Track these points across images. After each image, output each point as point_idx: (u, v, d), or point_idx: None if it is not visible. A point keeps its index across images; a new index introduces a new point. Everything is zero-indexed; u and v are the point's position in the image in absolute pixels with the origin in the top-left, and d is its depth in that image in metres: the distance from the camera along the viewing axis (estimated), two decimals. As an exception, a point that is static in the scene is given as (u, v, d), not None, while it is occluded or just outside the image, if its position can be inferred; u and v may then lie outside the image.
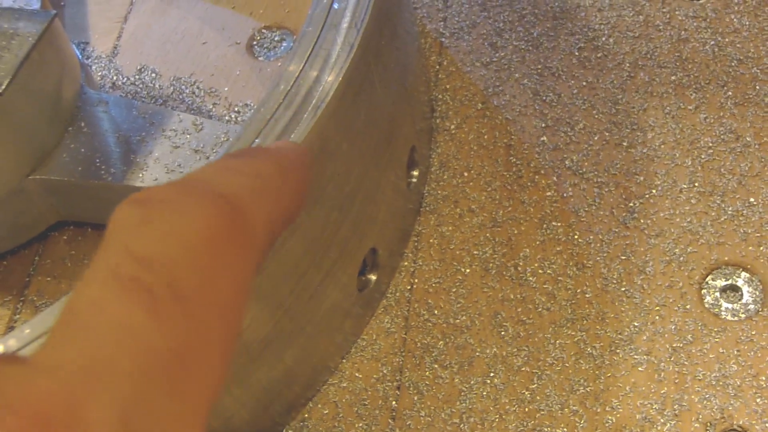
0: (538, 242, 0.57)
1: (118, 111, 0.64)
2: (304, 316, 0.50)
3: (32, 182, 0.60)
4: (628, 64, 0.65)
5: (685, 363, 0.52)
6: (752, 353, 0.51)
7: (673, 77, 0.64)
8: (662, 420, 0.50)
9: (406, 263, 0.57)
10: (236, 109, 0.68)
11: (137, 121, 0.63)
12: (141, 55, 0.74)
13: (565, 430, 0.50)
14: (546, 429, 0.50)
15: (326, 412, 0.52)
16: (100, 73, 0.72)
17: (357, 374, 0.53)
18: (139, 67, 0.72)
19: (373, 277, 0.55)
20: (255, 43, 0.72)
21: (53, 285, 0.61)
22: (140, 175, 0.59)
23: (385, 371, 0.53)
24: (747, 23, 0.66)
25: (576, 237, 0.57)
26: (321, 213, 0.48)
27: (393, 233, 0.57)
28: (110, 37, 0.75)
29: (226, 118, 0.67)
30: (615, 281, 0.55)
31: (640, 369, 0.52)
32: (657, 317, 0.53)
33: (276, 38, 0.73)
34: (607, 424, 0.50)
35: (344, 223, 0.50)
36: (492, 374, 0.52)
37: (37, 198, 0.61)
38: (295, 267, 0.48)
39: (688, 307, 0.54)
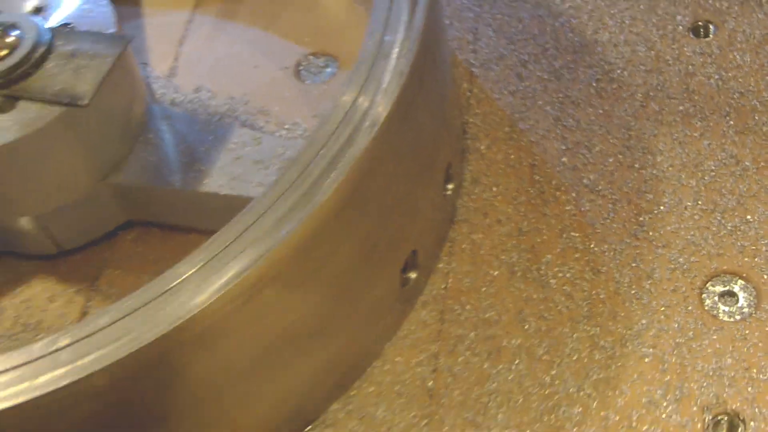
0: (558, 250, 0.64)
1: (182, 125, 0.71)
2: (354, 307, 0.57)
3: (105, 186, 0.67)
4: (640, 95, 0.73)
5: (686, 356, 0.59)
6: (745, 349, 0.59)
7: (680, 107, 0.71)
8: (665, 404, 0.57)
9: (441, 265, 0.64)
10: (286, 127, 0.75)
11: (200, 134, 0.70)
12: (197, 76, 0.81)
13: (580, 409, 0.57)
14: (563, 408, 0.57)
15: (371, 390, 0.59)
16: (159, 91, 0.80)
17: (398, 359, 0.60)
18: (195, 87, 0.80)
19: (413, 275, 0.62)
20: (302, 68, 0.80)
21: (121, 277, 0.68)
22: (205, 181, 0.67)
23: (422, 357, 0.60)
24: (748, 60, 0.73)
25: (592, 246, 0.64)
26: (369, 220, 0.55)
27: (430, 238, 0.64)
28: (168, 58, 0.83)
29: (277, 134, 0.74)
30: (626, 285, 0.62)
31: (646, 360, 0.59)
32: (662, 316, 0.60)
33: (321, 64, 0.80)
34: (616, 405, 0.57)
35: (389, 228, 0.58)
36: (517, 362, 0.59)
37: (108, 200, 0.68)
38: (349, 265, 0.55)
39: (689, 308, 0.61)
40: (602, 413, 0.57)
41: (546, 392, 0.58)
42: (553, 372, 0.59)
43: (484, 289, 0.63)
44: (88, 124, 0.64)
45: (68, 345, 0.47)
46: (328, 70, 0.80)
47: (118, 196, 0.68)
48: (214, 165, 0.67)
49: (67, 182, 0.65)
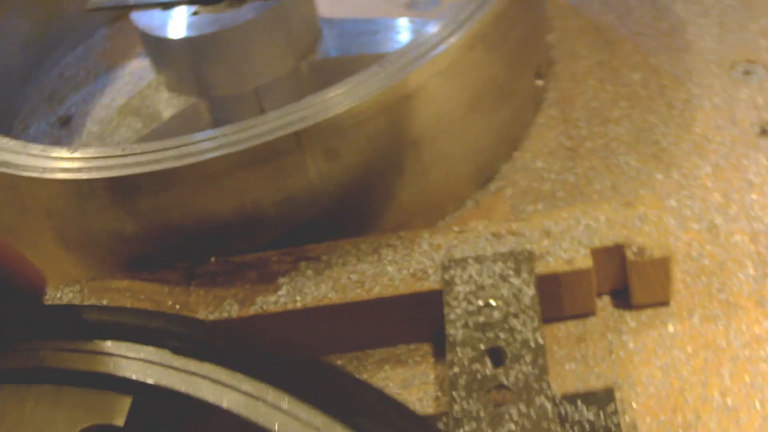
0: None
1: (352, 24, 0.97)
2: (516, 85, 0.83)
3: (305, 63, 0.93)
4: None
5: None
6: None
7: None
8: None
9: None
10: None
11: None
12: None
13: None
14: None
15: (527, 154, 0.85)
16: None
17: (542, 134, 0.86)
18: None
19: (540, 82, 0.88)
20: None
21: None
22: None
23: (558, 131, 0.86)
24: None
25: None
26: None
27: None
28: None
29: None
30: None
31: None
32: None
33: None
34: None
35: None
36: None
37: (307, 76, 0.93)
38: (514, 46, 0.81)
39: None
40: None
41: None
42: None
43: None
44: (288, 18, 0.90)
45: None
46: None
47: (314, 70, 0.93)
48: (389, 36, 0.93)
49: (278, 59, 0.91)
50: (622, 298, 0.73)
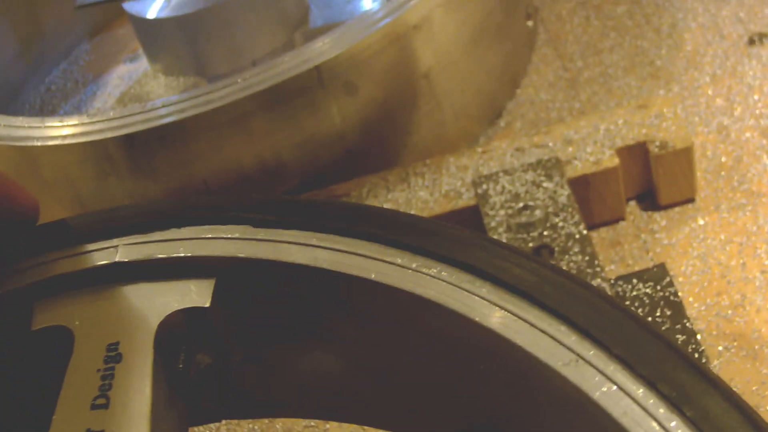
0: None
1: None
2: (511, 28, 0.85)
3: (298, 34, 0.94)
4: None
5: None
6: None
7: None
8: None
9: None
10: None
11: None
12: None
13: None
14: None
15: (529, 88, 0.86)
16: None
17: (540, 69, 0.88)
18: None
19: (531, 23, 0.90)
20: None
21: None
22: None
23: (556, 60, 0.88)
24: None
25: None
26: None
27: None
28: None
29: None
30: None
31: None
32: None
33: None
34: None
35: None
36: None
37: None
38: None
39: None
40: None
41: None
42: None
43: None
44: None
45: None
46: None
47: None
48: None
49: (273, 31, 0.92)
50: (649, 201, 0.74)
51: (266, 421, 0.66)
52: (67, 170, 0.71)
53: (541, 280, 0.41)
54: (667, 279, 0.60)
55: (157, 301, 0.45)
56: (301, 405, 0.53)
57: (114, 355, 0.44)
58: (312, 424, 0.65)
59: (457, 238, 0.43)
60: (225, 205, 0.46)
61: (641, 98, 0.83)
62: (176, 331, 0.45)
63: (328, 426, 0.64)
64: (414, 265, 0.42)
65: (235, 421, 0.67)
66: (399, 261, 0.42)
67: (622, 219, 0.73)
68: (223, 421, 0.67)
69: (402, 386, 0.47)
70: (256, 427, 0.65)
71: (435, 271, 0.42)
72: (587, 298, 0.40)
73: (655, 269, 0.61)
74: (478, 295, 0.40)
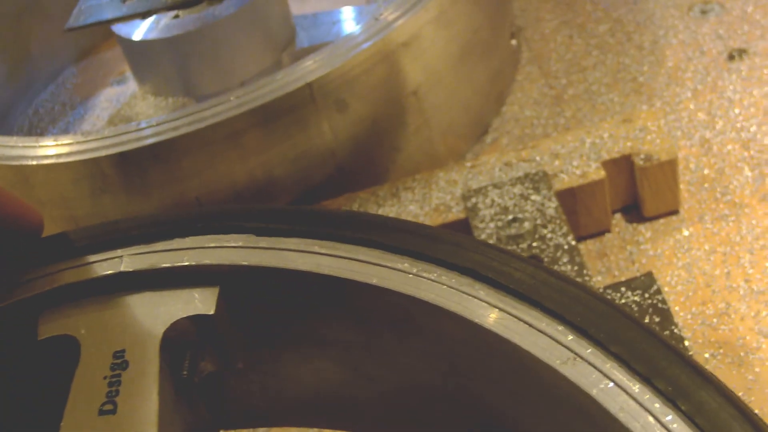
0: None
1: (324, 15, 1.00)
2: (496, 45, 0.87)
3: (285, 55, 0.96)
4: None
5: None
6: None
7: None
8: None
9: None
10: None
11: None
12: None
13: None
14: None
15: (515, 106, 0.88)
16: None
17: (525, 86, 0.90)
18: None
19: (514, 42, 0.92)
20: None
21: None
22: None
23: (541, 83, 0.90)
24: None
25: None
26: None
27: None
28: None
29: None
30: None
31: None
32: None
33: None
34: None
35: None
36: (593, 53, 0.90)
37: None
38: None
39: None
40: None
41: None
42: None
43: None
44: (266, 12, 0.94)
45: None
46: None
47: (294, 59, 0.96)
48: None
49: (261, 52, 0.94)
50: (634, 213, 0.76)
51: (263, 430, 0.66)
52: (62, 189, 0.72)
53: (538, 282, 0.42)
54: (655, 287, 0.62)
55: (162, 310, 0.46)
56: (301, 413, 0.54)
57: (120, 362, 0.45)
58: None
59: (455, 242, 0.44)
60: (227, 215, 0.47)
61: (624, 114, 0.85)
62: (181, 338, 0.46)
63: (324, 436, 0.65)
64: (414, 270, 0.43)
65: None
66: (400, 266, 0.43)
67: (608, 231, 0.75)
68: (220, 433, 0.67)
69: (402, 391, 0.48)
70: (253, 438, 0.66)
71: (435, 275, 0.43)
72: (583, 298, 0.41)
73: (642, 278, 0.63)
74: (477, 298, 0.42)
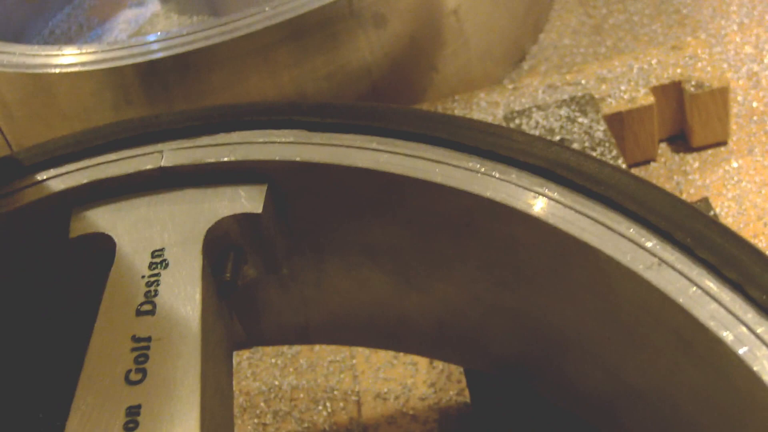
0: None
1: None
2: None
3: None
4: None
5: None
6: None
7: None
8: None
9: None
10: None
11: None
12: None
13: None
14: None
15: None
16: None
17: (555, 36, 0.86)
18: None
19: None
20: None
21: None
22: None
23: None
24: None
25: None
26: None
27: None
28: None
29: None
30: None
31: None
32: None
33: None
34: None
35: None
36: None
37: None
38: None
39: None
40: None
41: None
42: None
43: None
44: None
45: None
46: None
47: None
48: None
49: None
50: (680, 143, 0.73)
51: (290, 356, 0.64)
52: (84, 100, 0.69)
53: (618, 184, 0.39)
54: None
55: (206, 207, 0.43)
56: (341, 330, 0.51)
57: (160, 262, 0.42)
58: (337, 359, 0.63)
59: (525, 141, 0.41)
60: (277, 109, 0.44)
61: (668, 45, 0.81)
62: (224, 239, 0.43)
63: (355, 361, 0.62)
64: (483, 169, 0.40)
65: (258, 356, 0.64)
66: (466, 164, 0.40)
67: (653, 160, 0.72)
68: (245, 356, 0.64)
69: (456, 307, 0.45)
70: (278, 362, 0.63)
71: (505, 174, 0.40)
72: (668, 200, 0.38)
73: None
74: (552, 199, 0.38)
